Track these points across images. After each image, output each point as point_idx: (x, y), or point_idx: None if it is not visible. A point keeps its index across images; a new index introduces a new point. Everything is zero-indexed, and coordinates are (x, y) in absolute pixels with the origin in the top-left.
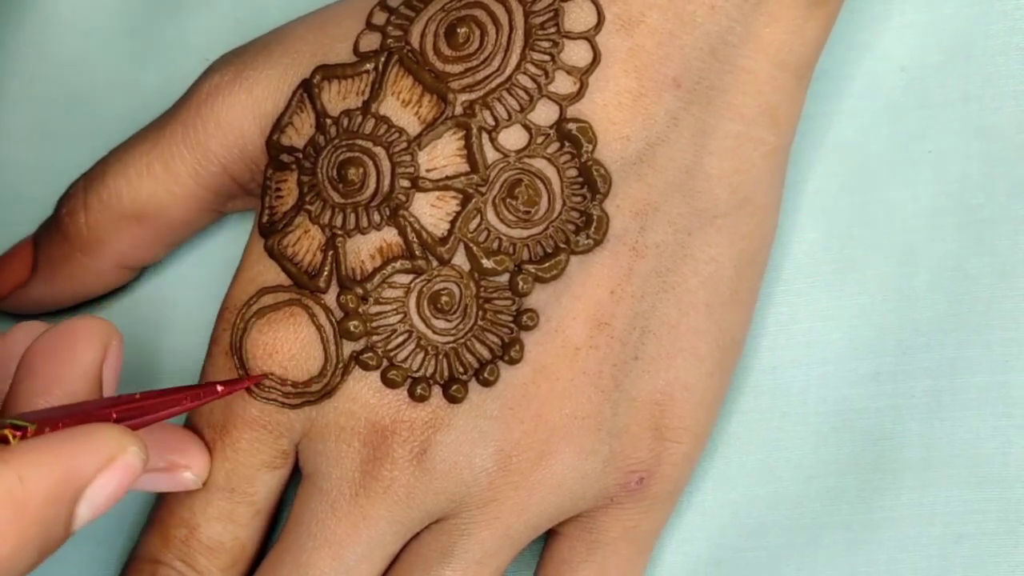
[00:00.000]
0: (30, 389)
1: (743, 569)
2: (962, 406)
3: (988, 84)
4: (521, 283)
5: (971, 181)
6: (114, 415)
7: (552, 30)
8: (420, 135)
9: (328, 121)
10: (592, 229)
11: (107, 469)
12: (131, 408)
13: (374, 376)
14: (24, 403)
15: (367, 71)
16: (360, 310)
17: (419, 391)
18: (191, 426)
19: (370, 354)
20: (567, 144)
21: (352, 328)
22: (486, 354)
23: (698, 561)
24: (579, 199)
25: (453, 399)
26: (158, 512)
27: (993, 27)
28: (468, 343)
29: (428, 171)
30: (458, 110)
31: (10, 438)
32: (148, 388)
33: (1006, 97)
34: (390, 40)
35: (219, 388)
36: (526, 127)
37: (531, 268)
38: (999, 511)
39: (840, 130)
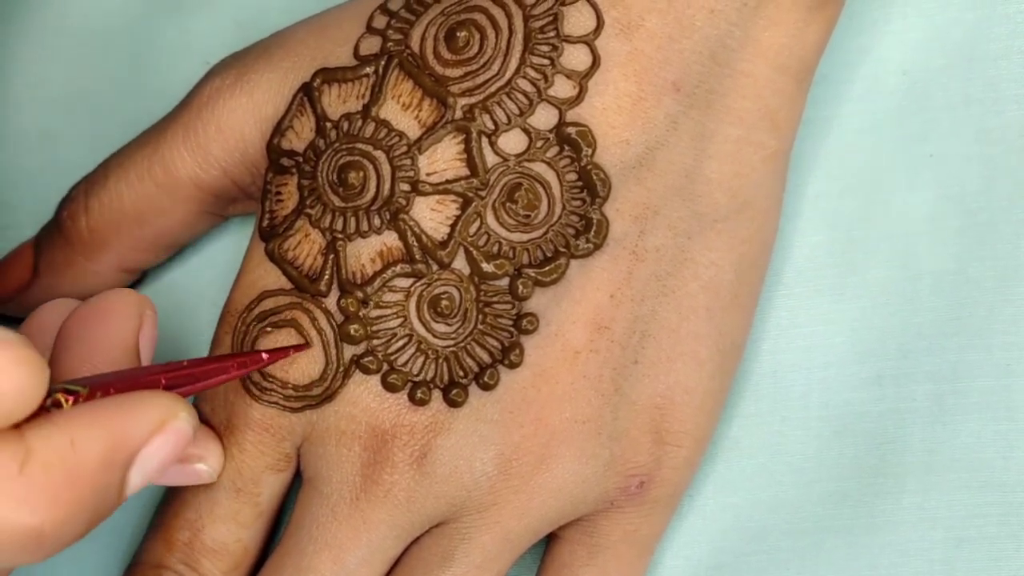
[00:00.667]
0: (70, 360)
1: (744, 573)
2: (964, 410)
3: (990, 88)
4: (521, 287)
5: (972, 185)
6: (163, 381)
7: (551, 34)
8: (420, 139)
9: (328, 125)
10: (592, 233)
11: (159, 434)
12: (179, 375)
13: (374, 380)
14: (65, 374)
15: (367, 75)
16: (361, 314)
17: (419, 395)
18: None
19: (370, 358)
20: (567, 148)
21: (353, 332)
22: (486, 358)
23: (699, 565)
24: (579, 203)
25: (453, 403)
26: (162, 515)
27: (995, 31)
28: (468, 347)
29: (428, 175)
30: (458, 114)
31: (63, 402)
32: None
33: (1007, 101)
34: (390, 44)
35: (264, 356)
36: (526, 131)
37: (531, 272)
38: (1001, 515)
39: (841, 134)
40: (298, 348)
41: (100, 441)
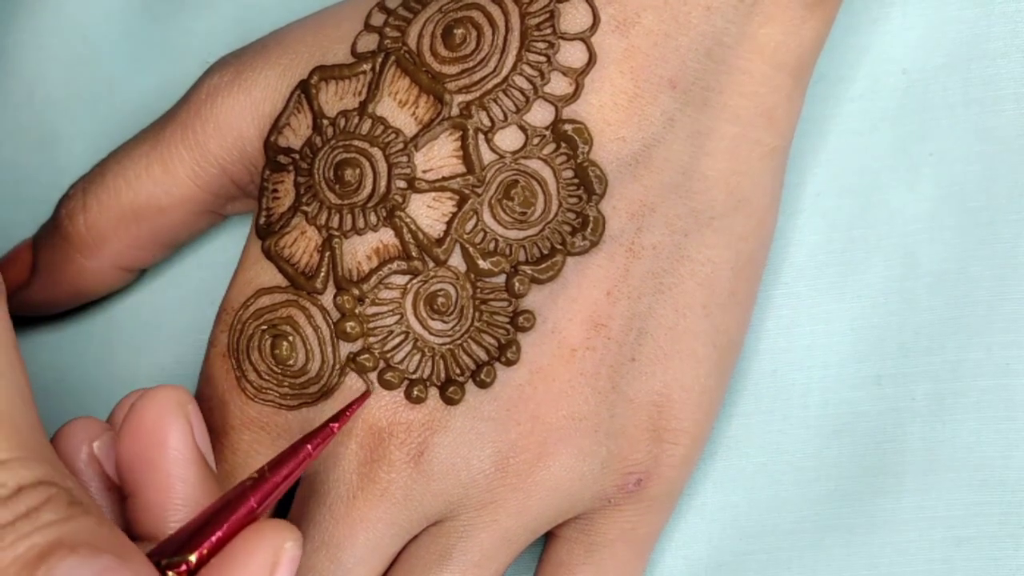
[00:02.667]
0: (147, 496)
1: (744, 572)
2: (963, 409)
3: (989, 86)
4: (517, 284)
5: (972, 183)
6: (254, 504)
7: (548, 31)
8: (417, 136)
9: (325, 122)
10: (588, 230)
11: (278, 570)
12: (265, 487)
13: (371, 377)
14: (151, 510)
15: (364, 72)
16: (357, 311)
17: (416, 393)
18: None
19: (367, 355)
20: (563, 145)
21: (349, 329)
22: (483, 355)
23: (698, 564)
24: (575, 200)
25: (450, 401)
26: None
27: (994, 29)
28: (465, 344)
29: (424, 172)
30: (454, 111)
31: None
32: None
33: (1007, 99)
34: (387, 41)
35: (334, 426)
36: (522, 128)
37: (527, 269)
38: (1000, 514)
39: (841, 132)
40: (360, 400)
41: None
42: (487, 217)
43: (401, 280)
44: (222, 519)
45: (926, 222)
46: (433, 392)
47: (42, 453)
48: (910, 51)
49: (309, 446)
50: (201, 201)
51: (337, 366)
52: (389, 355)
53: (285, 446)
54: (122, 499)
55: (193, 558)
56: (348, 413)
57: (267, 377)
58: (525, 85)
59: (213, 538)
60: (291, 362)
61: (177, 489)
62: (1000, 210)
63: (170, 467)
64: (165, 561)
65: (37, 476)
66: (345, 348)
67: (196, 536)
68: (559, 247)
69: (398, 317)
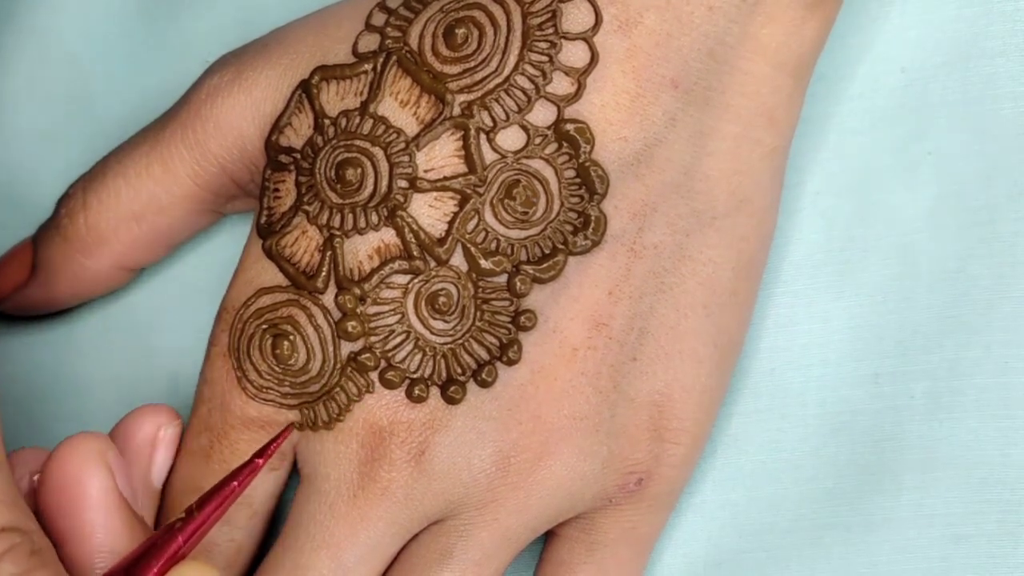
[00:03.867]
0: (71, 547)
1: (742, 571)
2: (962, 408)
3: (988, 85)
4: (519, 284)
5: (971, 182)
6: (181, 541)
7: (550, 31)
8: (418, 136)
9: (326, 122)
10: (590, 230)
11: None
12: (192, 525)
13: (372, 377)
14: (76, 560)
15: (365, 72)
16: (358, 311)
17: (417, 392)
18: (189, 426)
19: (368, 355)
20: (565, 145)
21: (350, 329)
22: (484, 355)
23: (698, 563)
24: (577, 200)
25: (451, 400)
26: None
27: (993, 28)
28: (466, 344)
29: (426, 172)
30: (456, 111)
31: None
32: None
33: (1005, 98)
34: (389, 41)
35: (259, 461)
36: (524, 128)
37: (529, 269)
38: (999, 513)
39: (840, 132)
40: (284, 434)
41: None
42: (489, 217)
43: (402, 279)
44: (152, 560)
45: (925, 221)
46: (434, 391)
47: (9, 495)
48: (909, 50)
49: (235, 483)
50: (201, 200)
51: (338, 365)
52: (390, 354)
53: (286, 446)
54: None
55: None
56: (272, 448)
57: (268, 377)
58: (527, 85)
59: None
60: (292, 361)
61: (99, 539)
62: (999, 209)
63: (92, 517)
64: None
65: (4, 521)
66: (346, 347)
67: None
68: (561, 247)
69: (399, 316)
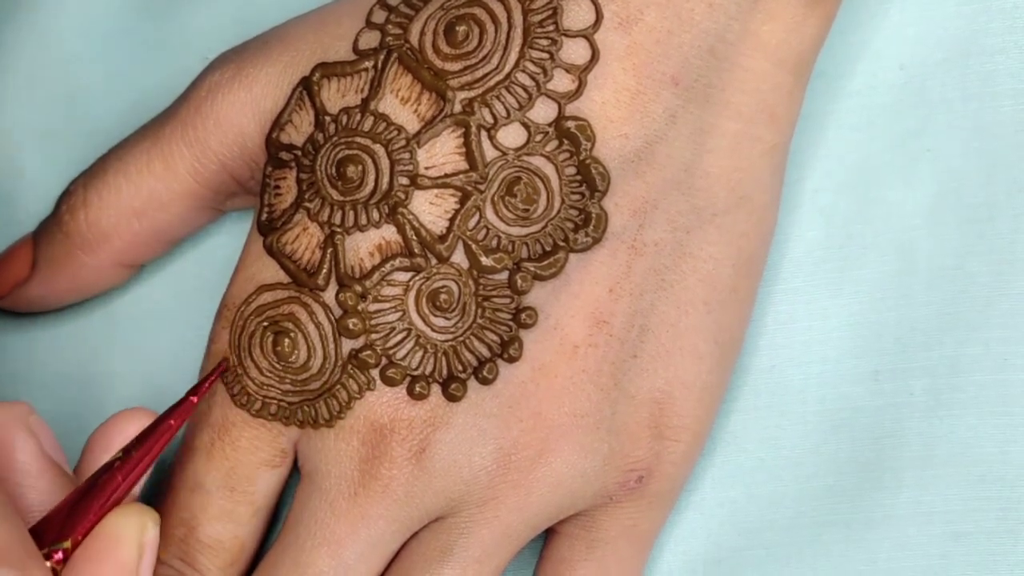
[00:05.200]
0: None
1: (742, 568)
2: (961, 405)
3: (987, 82)
4: (520, 281)
5: (970, 179)
6: (120, 479)
7: (551, 28)
8: (419, 133)
9: (327, 119)
10: (591, 227)
11: (145, 555)
12: (129, 464)
13: (373, 374)
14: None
15: (366, 69)
16: (359, 308)
17: (418, 389)
18: (190, 423)
19: (369, 352)
20: (566, 142)
21: (351, 326)
22: (485, 352)
23: (697, 560)
24: (578, 197)
25: (452, 397)
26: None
27: (992, 25)
28: (467, 341)
29: (427, 169)
30: (457, 108)
31: (56, 570)
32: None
33: (1005, 95)
34: (389, 38)
35: (193, 399)
36: (525, 125)
37: (530, 266)
38: (998, 510)
39: (839, 129)
40: (217, 371)
41: None
42: (490, 214)
43: (403, 277)
44: (92, 499)
45: (924, 218)
46: (435, 389)
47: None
48: (908, 47)
49: (172, 420)
50: (201, 197)
51: (339, 363)
52: (391, 352)
53: (286, 444)
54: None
55: (68, 544)
56: (206, 385)
57: (268, 374)
58: (528, 82)
59: (87, 523)
60: (293, 359)
61: (31, 498)
62: (998, 206)
63: (20, 479)
64: (44, 551)
65: None
66: (347, 345)
67: (70, 519)
68: (562, 244)
69: (400, 314)
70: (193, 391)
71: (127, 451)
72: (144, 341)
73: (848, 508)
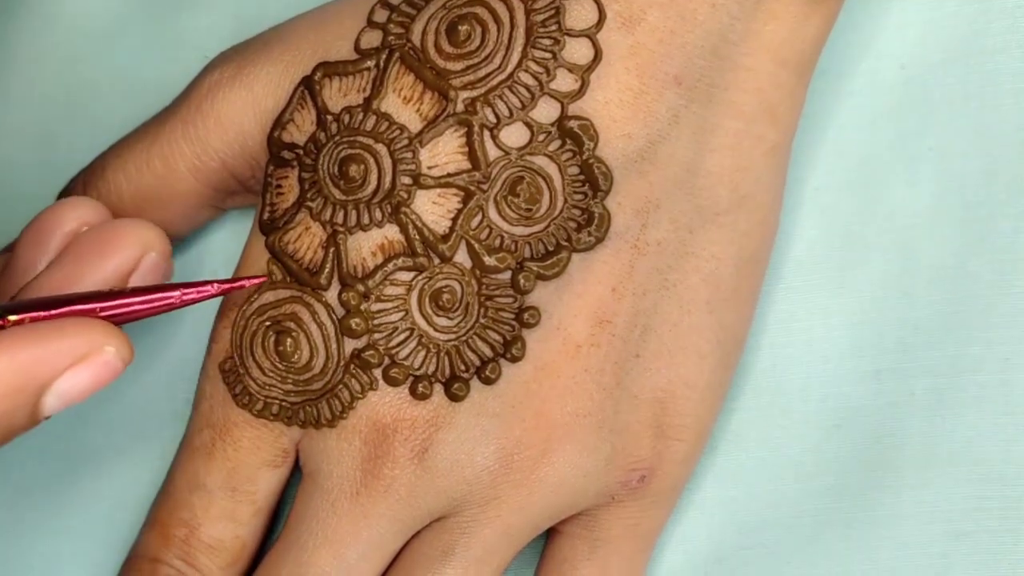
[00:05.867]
0: (58, 278)
1: (743, 567)
2: (963, 404)
3: (988, 82)
4: (523, 281)
5: (971, 179)
6: (99, 310)
7: (553, 28)
8: (421, 132)
9: (329, 118)
10: (594, 227)
11: (79, 365)
12: (122, 304)
13: (375, 374)
14: (46, 290)
15: (368, 68)
16: (362, 308)
17: (420, 389)
18: (191, 422)
19: (371, 352)
20: (569, 141)
21: (354, 326)
22: (488, 352)
23: (698, 559)
24: (581, 196)
25: (455, 397)
26: (157, 512)
27: (993, 25)
28: (470, 341)
29: (430, 168)
30: (459, 107)
31: None
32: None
33: (1006, 95)
34: (391, 37)
35: (214, 286)
36: (528, 124)
37: (533, 266)
38: (1000, 509)
39: (840, 128)
40: (257, 280)
41: (7, 368)
42: (493, 213)
43: (406, 276)
44: (62, 303)
45: (925, 217)
46: (438, 388)
47: None
48: (909, 47)
49: (180, 292)
50: (201, 195)
51: (341, 363)
52: (394, 351)
53: (287, 444)
54: None
55: (12, 319)
56: (238, 284)
57: (271, 374)
58: (531, 81)
59: (42, 317)
60: (295, 359)
61: (82, 287)
62: (999, 205)
63: (91, 268)
64: None
65: None
66: (349, 344)
67: (28, 307)
68: (564, 243)
69: (403, 313)
70: (223, 282)
71: (121, 291)
72: (144, 340)
73: (849, 507)
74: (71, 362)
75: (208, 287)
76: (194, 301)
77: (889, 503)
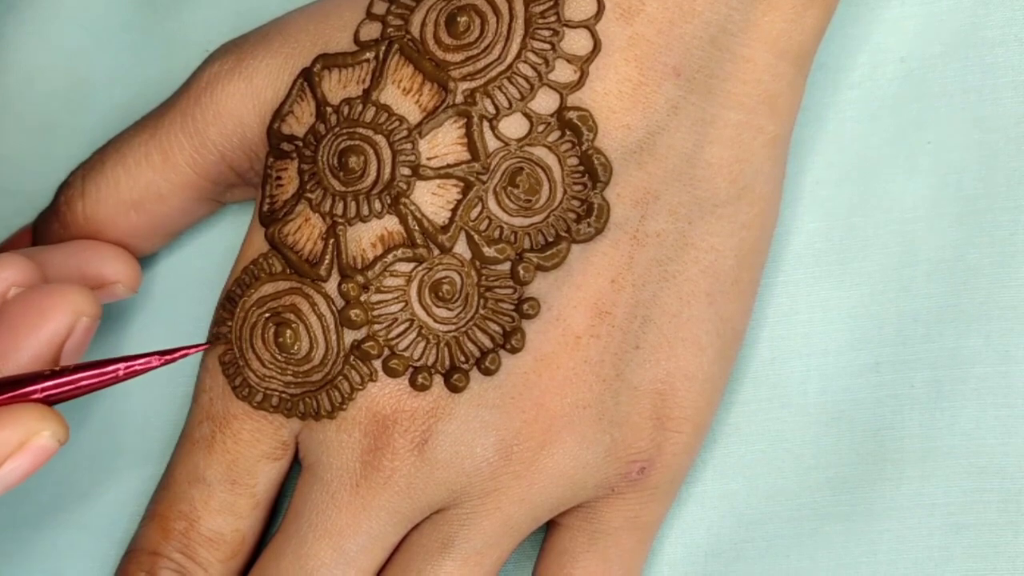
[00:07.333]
0: None
1: (743, 560)
2: (962, 396)
3: (987, 75)
4: (522, 271)
5: (970, 171)
6: (41, 392)
7: (552, 19)
8: (421, 123)
9: (329, 109)
10: (593, 217)
11: (16, 454)
12: (63, 383)
13: (375, 365)
14: None
15: (368, 60)
16: (361, 299)
17: (420, 380)
18: (191, 415)
19: (371, 343)
20: (568, 132)
21: (353, 317)
22: (487, 343)
23: (698, 551)
24: (580, 187)
25: (454, 388)
26: (156, 505)
27: (992, 17)
28: (469, 332)
29: (429, 159)
30: (459, 98)
31: None
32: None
33: (1005, 88)
34: (390, 29)
35: (156, 359)
36: (527, 115)
37: (532, 257)
38: (999, 502)
39: (840, 121)
40: (198, 347)
41: None
42: (492, 204)
43: (406, 267)
44: (5, 387)
45: (924, 210)
46: (437, 380)
47: None
48: (908, 39)
49: (122, 366)
50: (200, 188)
51: (341, 354)
52: (394, 342)
53: (287, 436)
54: None
55: None
56: (180, 354)
57: (270, 365)
58: (530, 72)
59: None
60: (295, 350)
61: (11, 359)
62: (998, 198)
63: (25, 337)
64: None
65: None
66: (349, 336)
67: None
68: (564, 235)
69: (403, 304)
70: (165, 352)
71: (63, 369)
72: (144, 333)
73: (849, 500)
74: (9, 452)
75: (151, 359)
76: (136, 374)
77: (888, 496)
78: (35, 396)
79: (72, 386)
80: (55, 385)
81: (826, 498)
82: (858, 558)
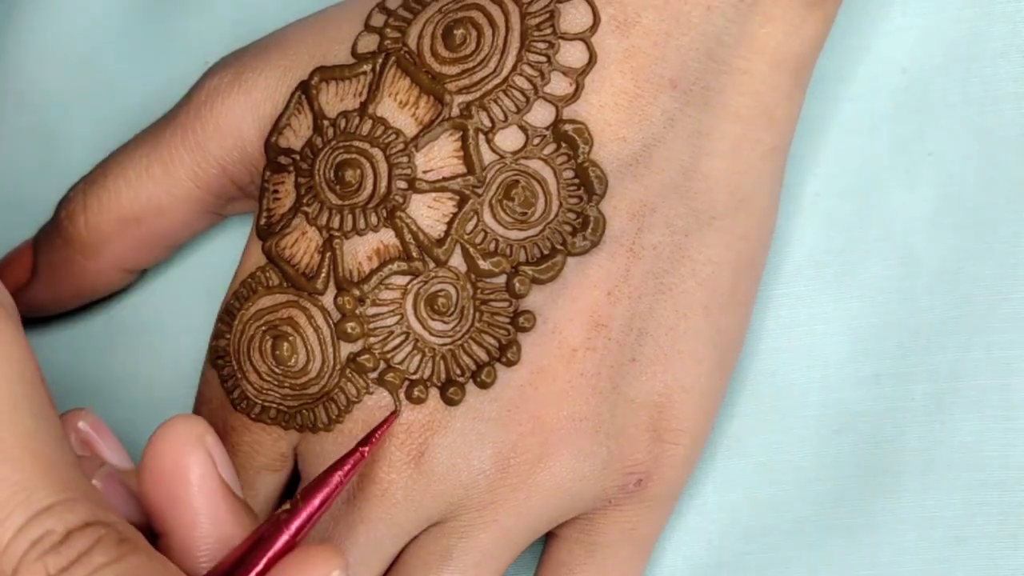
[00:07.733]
0: (177, 536)
1: (743, 572)
2: (963, 409)
3: (988, 86)
4: (518, 285)
5: (971, 183)
6: (289, 536)
7: (548, 31)
8: (417, 136)
9: (325, 123)
10: (589, 230)
11: None
12: (299, 518)
13: (371, 378)
14: (183, 550)
15: (364, 73)
16: (357, 312)
17: (416, 393)
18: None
19: (367, 356)
20: (563, 145)
21: (349, 330)
22: (483, 356)
23: (698, 564)
24: (576, 200)
25: (450, 401)
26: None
27: (993, 29)
28: (465, 345)
29: (425, 172)
30: (455, 111)
31: None
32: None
33: (1006, 99)
34: (387, 42)
35: (364, 451)
36: (522, 128)
37: (528, 270)
38: (999, 514)
39: (840, 132)
40: (388, 421)
41: None
42: (487, 217)
43: (402, 281)
44: (260, 554)
45: (925, 222)
46: (433, 393)
47: (85, 491)
48: (909, 51)
49: (339, 473)
50: (201, 202)
51: (337, 367)
52: (389, 356)
53: (285, 448)
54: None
55: None
56: (376, 436)
57: (268, 378)
58: (525, 85)
59: (253, 573)
60: (292, 363)
61: (205, 527)
62: (999, 209)
63: (196, 505)
64: None
65: (84, 518)
66: (345, 349)
67: (235, 572)
68: (560, 247)
69: (398, 318)
70: (363, 442)
71: (293, 504)
72: (145, 345)
73: (849, 512)
74: None
75: (360, 454)
76: (355, 472)
77: (889, 508)
78: (295, 544)
79: (312, 517)
80: (300, 523)
81: (826, 510)
82: (858, 571)
